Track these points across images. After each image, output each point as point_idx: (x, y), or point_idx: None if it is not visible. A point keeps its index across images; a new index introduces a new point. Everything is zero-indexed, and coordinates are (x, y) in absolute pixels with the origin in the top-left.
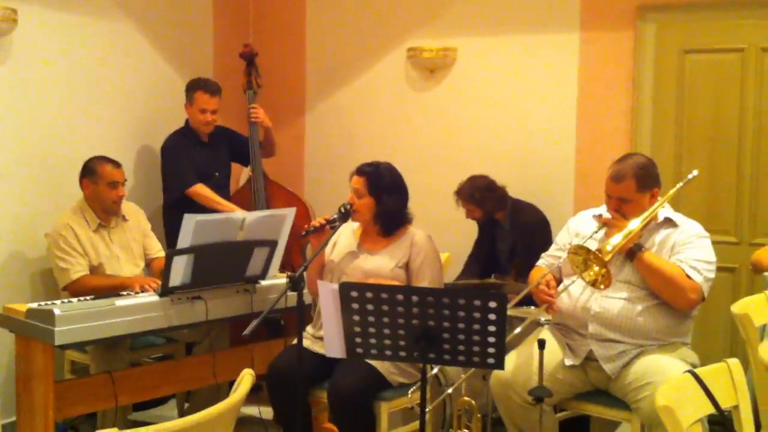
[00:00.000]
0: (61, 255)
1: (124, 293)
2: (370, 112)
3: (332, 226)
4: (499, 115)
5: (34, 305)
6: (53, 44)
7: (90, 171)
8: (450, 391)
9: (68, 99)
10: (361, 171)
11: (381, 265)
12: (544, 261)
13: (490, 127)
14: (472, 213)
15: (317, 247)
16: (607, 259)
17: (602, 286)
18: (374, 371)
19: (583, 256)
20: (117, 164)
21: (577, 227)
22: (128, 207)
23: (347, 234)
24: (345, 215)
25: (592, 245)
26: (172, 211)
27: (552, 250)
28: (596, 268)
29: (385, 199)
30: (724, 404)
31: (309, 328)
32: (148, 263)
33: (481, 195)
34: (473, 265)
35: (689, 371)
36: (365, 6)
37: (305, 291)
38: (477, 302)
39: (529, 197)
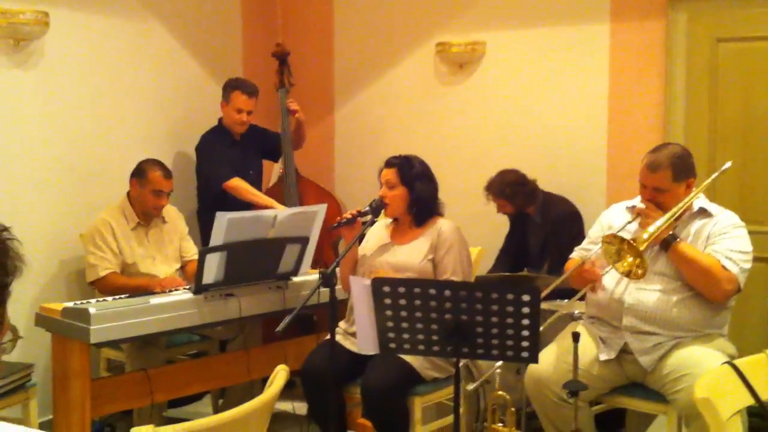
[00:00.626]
0: (94, 250)
1: (158, 291)
2: (399, 107)
3: (364, 220)
4: (529, 108)
5: (70, 304)
6: (84, 47)
7: (141, 172)
8: (489, 373)
9: (99, 102)
10: (390, 163)
11: (409, 257)
12: (577, 254)
13: (521, 120)
14: (503, 208)
15: (349, 240)
16: (642, 248)
17: (636, 277)
18: (407, 366)
19: (616, 246)
20: (168, 174)
21: (610, 220)
22: (168, 210)
23: (380, 228)
24: (376, 209)
25: (626, 236)
26: (207, 212)
27: (585, 243)
28: (630, 259)
29: (418, 186)
30: (765, 396)
31: (342, 324)
32: (183, 265)
33: (511, 190)
34: (505, 259)
35: (728, 362)
36: (393, 2)
37: (338, 287)
38: (510, 296)
39: (561, 191)
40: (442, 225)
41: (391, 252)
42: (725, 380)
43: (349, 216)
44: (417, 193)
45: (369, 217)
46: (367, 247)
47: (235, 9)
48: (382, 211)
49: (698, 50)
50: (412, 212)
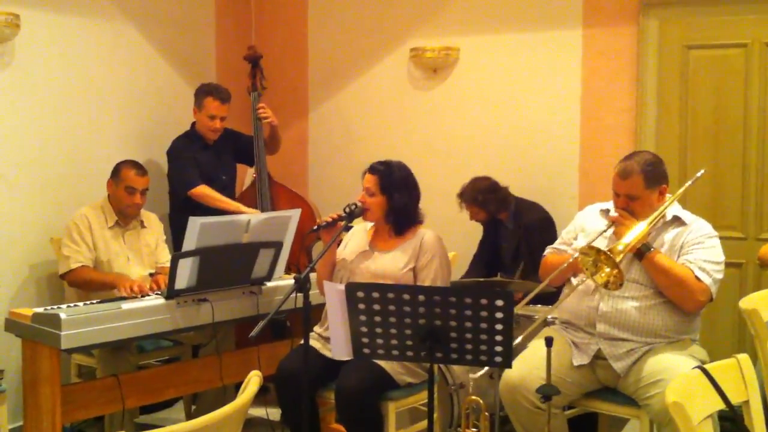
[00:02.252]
0: (68, 243)
1: (129, 296)
2: (373, 112)
3: (342, 224)
4: (502, 113)
5: (40, 310)
6: (56, 49)
7: (115, 172)
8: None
9: (71, 105)
10: (373, 169)
11: (390, 265)
12: (550, 252)
13: (494, 125)
14: (476, 215)
15: (328, 244)
16: (618, 259)
17: (614, 287)
18: (381, 371)
19: (593, 257)
20: (141, 171)
21: (584, 222)
22: (149, 216)
23: (360, 233)
24: (351, 215)
25: (600, 243)
26: (178, 216)
27: (557, 243)
28: (607, 270)
29: (396, 196)
30: (735, 400)
31: (316, 328)
32: (156, 271)
33: (484, 197)
34: (478, 264)
35: (699, 367)
36: (367, 7)
37: (312, 292)
38: (484, 301)
39: (533, 195)
40: (425, 234)
41: (372, 259)
42: (696, 385)
43: (329, 219)
44: (395, 202)
45: (346, 223)
46: (346, 251)
47: (209, 11)
48: (361, 216)
49: (669, 56)
50: (390, 221)
